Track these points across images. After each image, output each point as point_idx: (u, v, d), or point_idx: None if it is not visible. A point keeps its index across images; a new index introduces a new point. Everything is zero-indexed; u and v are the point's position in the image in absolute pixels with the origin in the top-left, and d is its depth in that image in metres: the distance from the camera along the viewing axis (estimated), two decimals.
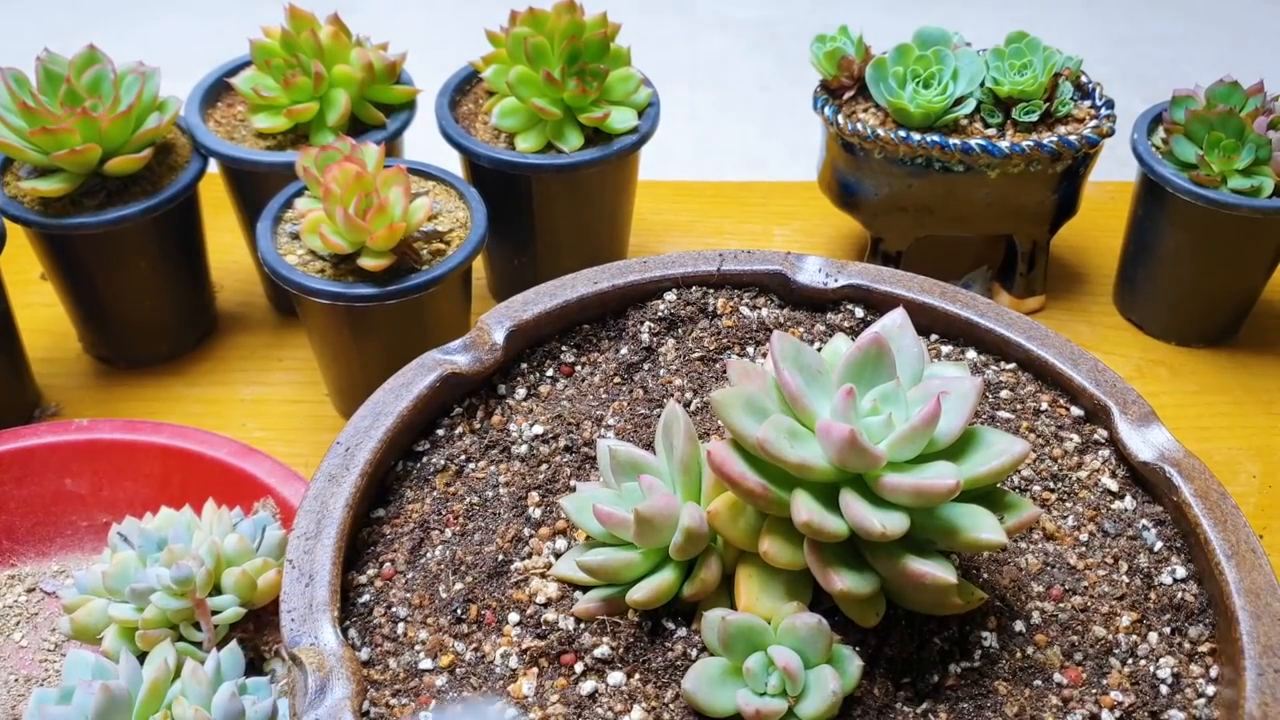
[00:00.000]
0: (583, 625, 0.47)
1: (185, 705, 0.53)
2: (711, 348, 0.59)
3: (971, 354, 0.60)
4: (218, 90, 0.88)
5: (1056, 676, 0.46)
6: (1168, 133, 0.85)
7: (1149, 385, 0.88)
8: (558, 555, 0.50)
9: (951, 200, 0.86)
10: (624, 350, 0.60)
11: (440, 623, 0.48)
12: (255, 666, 0.61)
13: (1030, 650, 0.46)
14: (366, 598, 0.49)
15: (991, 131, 0.84)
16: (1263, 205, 0.81)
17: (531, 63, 0.82)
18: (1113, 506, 0.53)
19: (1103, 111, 0.85)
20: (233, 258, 0.96)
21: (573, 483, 0.53)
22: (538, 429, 0.55)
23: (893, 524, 0.40)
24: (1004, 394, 0.57)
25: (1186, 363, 0.90)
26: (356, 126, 0.85)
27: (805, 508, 0.41)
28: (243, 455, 0.69)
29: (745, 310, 0.62)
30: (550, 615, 0.47)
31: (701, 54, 1.66)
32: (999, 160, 0.82)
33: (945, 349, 0.60)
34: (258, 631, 0.62)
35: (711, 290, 0.62)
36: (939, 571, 0.41)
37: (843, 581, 0.42)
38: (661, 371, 0.58)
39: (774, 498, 0.42)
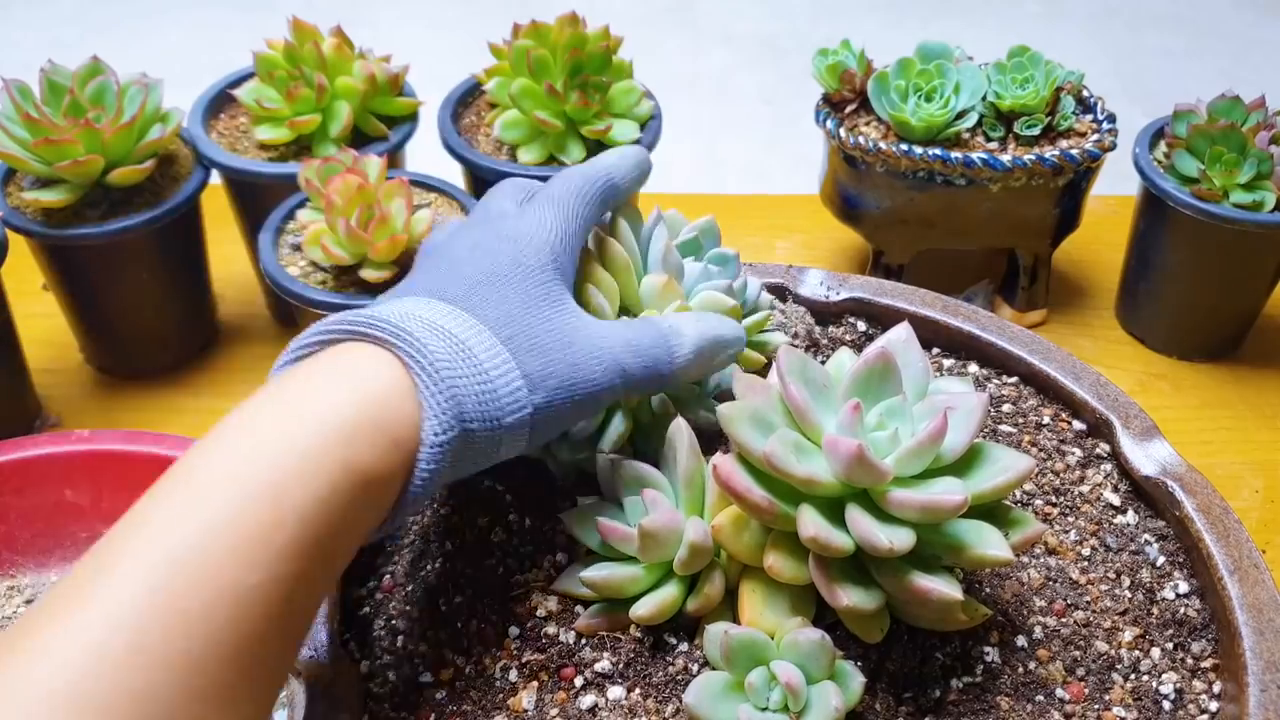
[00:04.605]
0: (583, 639, 0.46)
1: None
2: None
3: (974, 368, 0.60)
4: (220, 102, 0.89)
5: (1059, 692, 0.46)
6: (1170, 147, 0.85)
7: (1151, 399, 0.88)
8: (558, 569, 0.49)
9: (953, 214, 0.86)
10: None
11: (440, 636, 0.48)
12: None
13: (1032, 665, 0.46)
14: (366, 610, 0.49)
15: (993, 145, 0.84)
16: (1264, 220, 0.81)
17: (534, 75, 0.82)
18: (1115, 521, 0.52)
19: (1104, 126, 0.86)
20: (234, 269, 0.96)
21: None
22: None
23: (900, 540, 0.40)
24: (1006, 408, 0.57)
25: (1189, 377, 0.90)
26: (359, 138, 0.85)
27: (812, 523, 0.41)
28: None
29: None
30: (551, 629, 0.47)
31: (704, 67, 1.67)
32: (1001, 174, 0.82)
33: (947, 363, 0.60)
34: None
35: None
36: (945, 588, 0.41)
37: (848, 597, 0.41)
38: None
39: (780, 512, 0.42)
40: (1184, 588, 0.50)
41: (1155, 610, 0.49)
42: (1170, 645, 0.48)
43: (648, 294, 0.51)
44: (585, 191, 0.48)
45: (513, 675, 0.46)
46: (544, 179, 0.81)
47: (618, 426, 0.49)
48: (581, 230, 0.48)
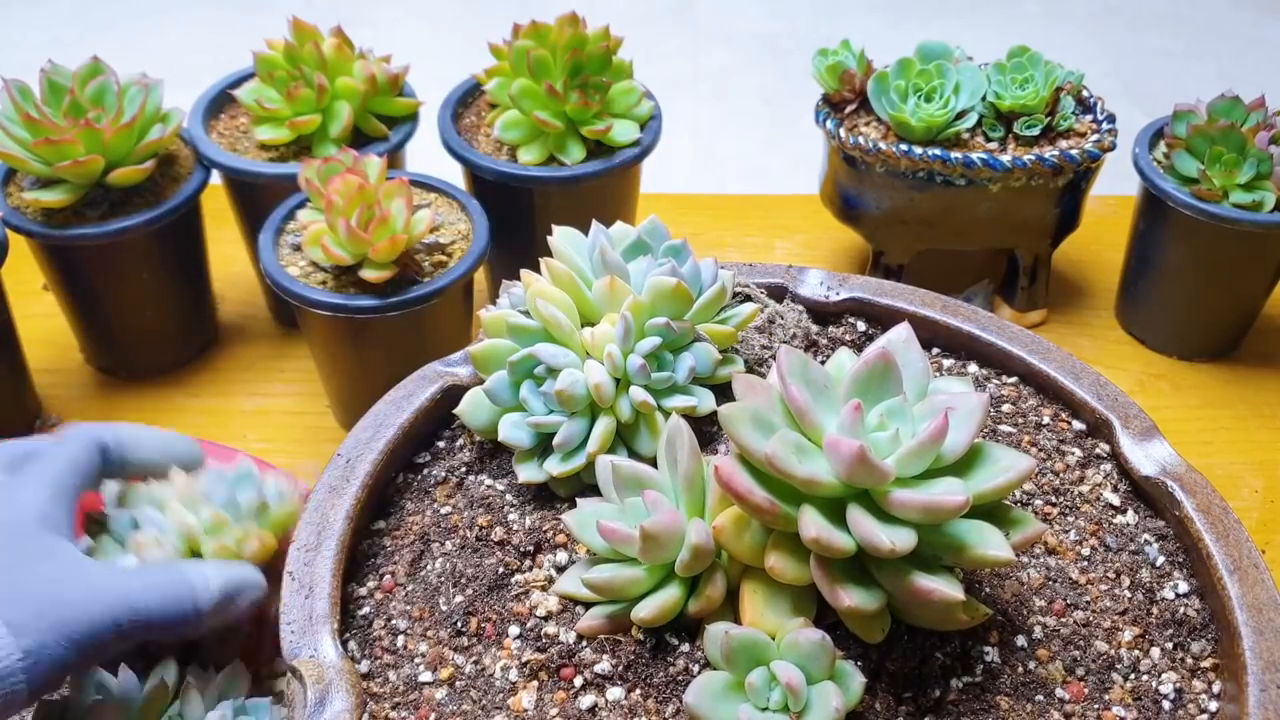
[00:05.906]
0: (584, 639, 0.46)
1: None
2: None
3: (973, 368, 0.60)
4: (221, 102, 0.89)
5: (1058, 692, 0.46)
6: (1169, 147, 0.85)
7: (1151, 399, 0.88)
8: (559, 569, 0.49)
9: (953, 214, 0.86)
10: None
11: (440, 635, 0.48)
12: (260, 685, 0.60)
13: (1032, 665, 0.46)
14: (366, 610, 0.49)
15: (993, 145, 0.84)
16: (1264, 220, 0.81)
17: (534, 75, 0.82)
18: (1114, 521, 0.52)
19: (1104, 126, 0.86)
20: (234, 269, 0.96)
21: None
22: None
23: (901, 540, 0.40)
24: (1005, 408, 0.57)
25: (1188, 377, 0.90)
26: (359, 138, 0.85)
27: (813, 524, 0.41)
28: None
29: None
30: (551, 628, 0.47)
31: (704, 67, 1.67)
32: (1000, 174, 0.82)
33: (947, 363, 0.60)
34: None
35: None
36: (947, 588, 0.41)
37: (850, 598, 0.41)
38: None
39: (781, 513, 0.42)
40: (1184, 588, 0.50)
41: (1155, 610, 0.49)
42: (1170, 645, 0.48)
43: (599, 298, 0.53)
44: (79, 462, 0.54)
45: (513, 675, 0.46)
46: (541, 180, 0.82)
47: (602, 426, 0.50)
48: (74, 487, 0.53)
